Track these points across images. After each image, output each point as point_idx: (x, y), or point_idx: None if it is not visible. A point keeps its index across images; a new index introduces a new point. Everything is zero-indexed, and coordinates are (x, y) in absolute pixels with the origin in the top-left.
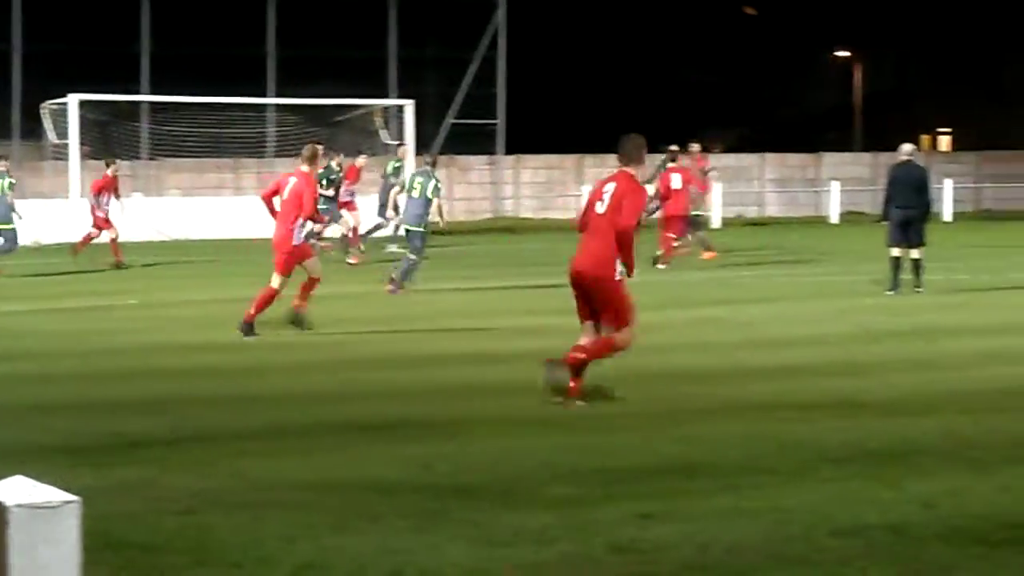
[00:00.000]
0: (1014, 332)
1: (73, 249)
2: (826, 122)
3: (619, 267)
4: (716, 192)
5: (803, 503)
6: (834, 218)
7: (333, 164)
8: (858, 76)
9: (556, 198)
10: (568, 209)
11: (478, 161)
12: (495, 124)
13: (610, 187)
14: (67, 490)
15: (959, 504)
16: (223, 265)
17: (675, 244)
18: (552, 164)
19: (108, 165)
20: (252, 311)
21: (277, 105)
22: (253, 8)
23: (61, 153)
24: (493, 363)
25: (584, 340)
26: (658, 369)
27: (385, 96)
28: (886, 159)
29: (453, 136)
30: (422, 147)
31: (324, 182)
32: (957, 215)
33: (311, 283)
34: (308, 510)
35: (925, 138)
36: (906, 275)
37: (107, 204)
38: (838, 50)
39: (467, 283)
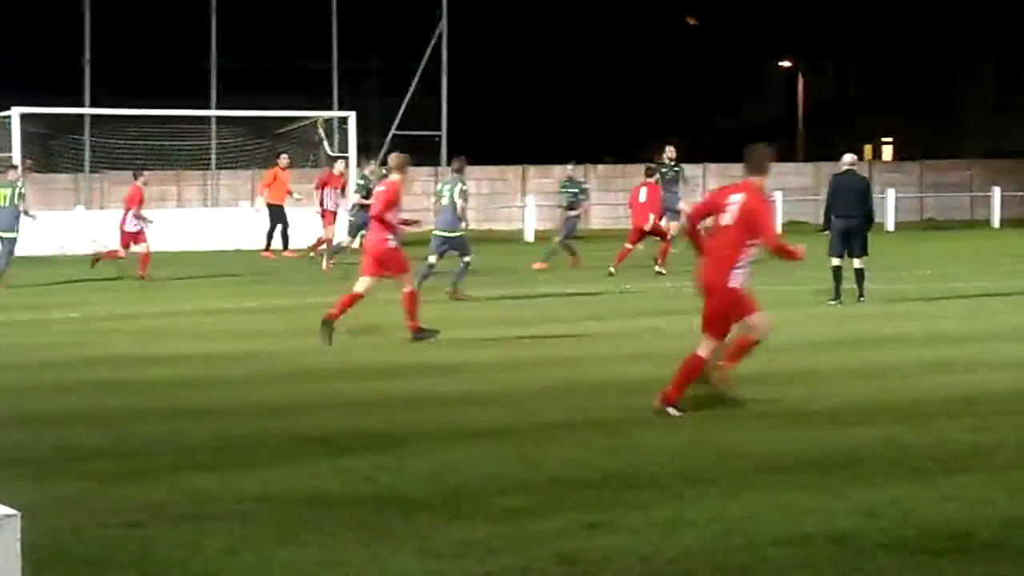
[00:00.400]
0: (957, 341)
1: (140, 276)
2: (769, 132)
3: (737, 277)
4: None
5: (746, 513)
6: (777, 228)
7: (367, 172)
8: (801, 86)
9: (499, 209)
10: (512, 220)
11: (421, 172)
12: (438, 135)
13: (736, 198)
14: (10, 504)
15: (902, 513)
16: (166, 278)
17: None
18: (495, 175)
19: (136, 177)
20: (410, 322)
21: (219, 117)
22: (195, 20)
23: (3, 167)
24: (437, 375)
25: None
26: (601, 379)
27: (328, 107)
28: (829, 169)
29: (396, 147)
30: (365, 159)
31: (363, 194)
32: (900, 224)
33: (354, 298)
34: (252, 523)
35: (868, 148)
36: (849, 284)
37: (138, 217)
38: (781, 60)
39: None
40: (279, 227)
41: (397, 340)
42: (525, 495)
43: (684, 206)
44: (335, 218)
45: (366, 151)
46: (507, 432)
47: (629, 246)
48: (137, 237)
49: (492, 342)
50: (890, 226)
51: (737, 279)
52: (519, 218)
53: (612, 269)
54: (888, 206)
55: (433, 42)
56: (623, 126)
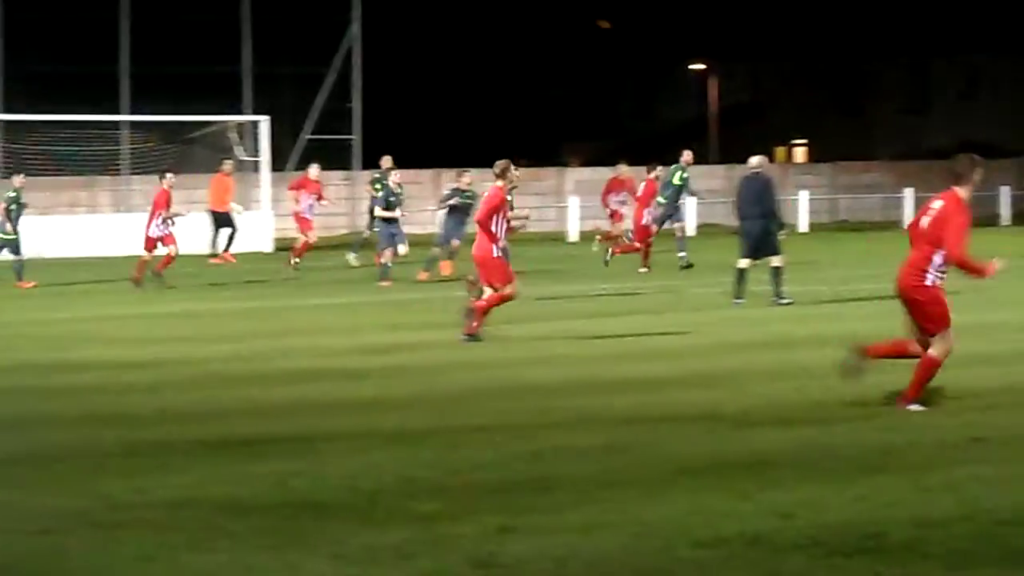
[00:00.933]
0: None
1: (159, 277)
2: (682, 135)
3: (930, 276)
4: (574, 206)
5: (661, 516)
6: (691, 231)
7: (390, 183)
8: (713, 89)
9: (413, 213)
10: (425, 224)
11: (334, 176)
12: (351, 139)
13: (937, 204)
14: None
15: (815, 514)
16: (78, 284)
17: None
18: (409, 179)
19: (162, 178)
20: (484, 303)
21: (131, 122)
22: (106, 25)
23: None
24: (349, 379)
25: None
26: (516, 383)
27: (240, 112)
28: (741, 171)
29: (309, 151)
30: (278, 163)
31: (385, 203)
32: (813, 225)
33: (501, 299)
34: (164, 529)
35: (780, 150)
36: (766, 286)
37: (165, 220)
38: (693, 63)
39: (324, 299)
40: (214, 231)
41: (309, 345)
42: (439, 499)
43: (679, 227)
44: (310, 225)
45: (278, 155)
46: (421, 436)
47: (638, 244)
48: (165, 240)
49: (405, 346)
50: (803, 227)
51: (929, 279)
52: (432, 221)
53: (642, 269)
54: (801, 208)
55: (346, 45)
56: (537, 129)
